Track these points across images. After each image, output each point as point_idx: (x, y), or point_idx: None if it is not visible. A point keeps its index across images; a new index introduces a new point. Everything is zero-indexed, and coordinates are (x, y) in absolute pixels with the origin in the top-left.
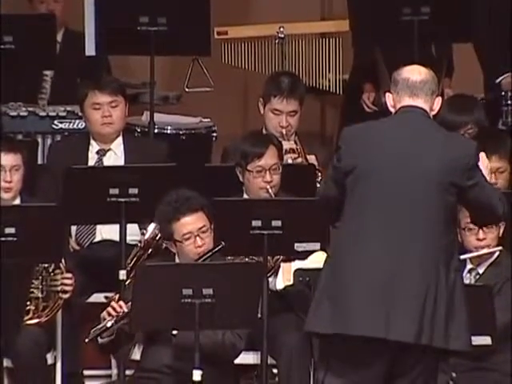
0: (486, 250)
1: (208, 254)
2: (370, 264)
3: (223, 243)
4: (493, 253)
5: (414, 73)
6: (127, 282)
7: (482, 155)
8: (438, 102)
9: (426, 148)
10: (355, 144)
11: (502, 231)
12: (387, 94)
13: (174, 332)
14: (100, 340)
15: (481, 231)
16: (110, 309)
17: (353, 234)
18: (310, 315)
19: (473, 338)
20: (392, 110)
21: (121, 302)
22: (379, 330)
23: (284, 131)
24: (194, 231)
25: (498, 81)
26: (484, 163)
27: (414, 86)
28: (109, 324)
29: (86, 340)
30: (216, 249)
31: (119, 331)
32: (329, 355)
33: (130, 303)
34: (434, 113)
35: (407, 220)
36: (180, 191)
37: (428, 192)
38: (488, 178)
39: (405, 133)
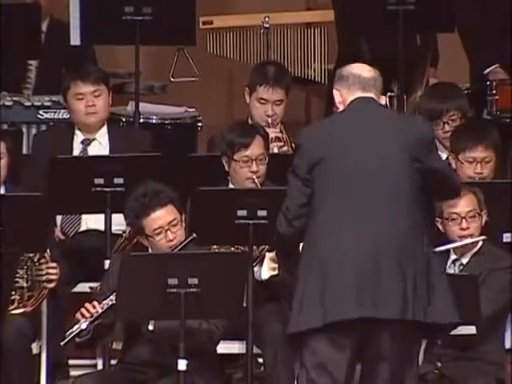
0: (469, 240)
1: (179, 247)
2: (349, 249)
3: (195, 234)
4: (476, 242)
5: (364, 69)
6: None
7: None
8: (383, 100)
9: (386, 129)
10: (316, 138)
11: (484, 221)
12: (334, 91)
13: (151, 327)
14: (78, 339)
15: (464, 221)
16: (83, 310)
17: (327, 223)
18: (296, 316)
19: (458, 327)
20: (340, 106)
21: (94, 303)
22: (367, 310)
23: (270, 120)
24: (164, 225)
25: (486, 72)
26: None
27: (365, 82)
28: (83, 326)
29: (62, 343)
30: (187, 240)
31: (97, 326)
32: (302, 348)
33: (103, 303)
34: None
35: (379, 201)
36: (148, 185)
37: (394, 170)
38: None
39: (363, 118)
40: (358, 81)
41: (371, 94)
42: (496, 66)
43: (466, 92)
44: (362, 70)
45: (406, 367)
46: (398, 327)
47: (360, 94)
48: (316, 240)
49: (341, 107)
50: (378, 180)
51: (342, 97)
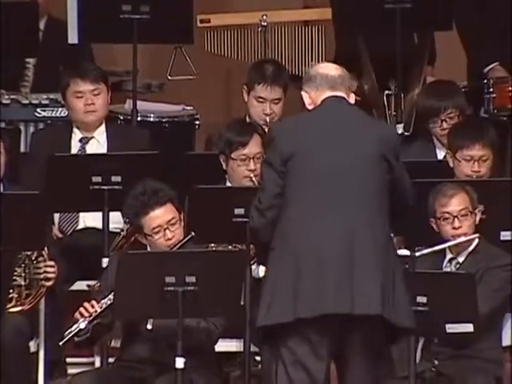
0: (463, 239)
1: (178, 245)
2: (322, 245)
3: (193, 233)
4: (471, 241)
5: (331, 69)
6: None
7: None
8: (353, 98)
9: (356, 127)
10: (289, 133)
11: (477, 219)
12: (303, 93)
13: (149, 326)
14: (76, 339)
15: (456, 220)
16: (82, 309)
17: (298, 219)
18: (265, 310)
19: (455, 325)
20: (310, 107)
21: (93, 302)
22: (345, 306)
23: (268, 119)
24: (163, 224)
25: (485, 70)
26: None
27: (333, 81)
28: (82, 325)
29: (61, 343)
30: (185, 239)
31: (96, 325)
32: (278, 345)
33: (101, 302)
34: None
35: (349, 197)
36: (147, 184)
37: (365, 167)
38: None
39: (335, 116)
40: (326, 80)
41: (341, 93)
42: (495, 64)
43: (463, 90)
44: (328, 69)
45: (380, 362)
46: (373, 322)
47: (329, 93)
48: (287, 235)
49: (311, 108)
50: (348, 176)
51: (311, 98)
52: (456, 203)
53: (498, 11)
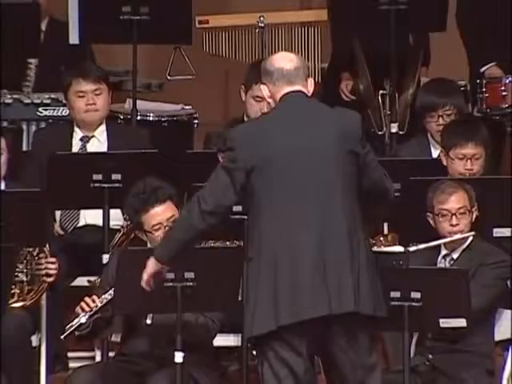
0: (459, 236)
1: None
2: (296, 249)
3: None
4: (466, 238)
5: (286, 61)
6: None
7: None
8: (311, 83)
9: (318, 125)
10: (249, 142)
11: (474, 217)
12: (262, 86)
13: (148, 321)
14: (77, 333)
15: (454, 217)
16: (83, 304)
17: (271, 226)
18: (249, 320)
19: (448, 320)
20: (269, 100)
21: (94, 297)
22: (323, 308)
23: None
24: (163, 221)
25: (482, 70)
26: None
27: (289, 75)
28: (83, 320)
29: (62, 337)
30: None
31: (97, 320)
32: (265, 352)
33: (102, 297)
34: (309, 94)
35: (319, 200)
36: (147, 181)
37: (332, 165)
38: None
39: (295, 116)
40: (282, 75)
41: (298, 87)
42: (493, 64)
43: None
44: (284, 62)
45: (363, 356)
46: (351, 318)
47: (287, 88)
48: (262, 244)
49: (271, 102)
50: (316, 178)
51: (270, 92)
52: (455, 201)
53: (498, 10)
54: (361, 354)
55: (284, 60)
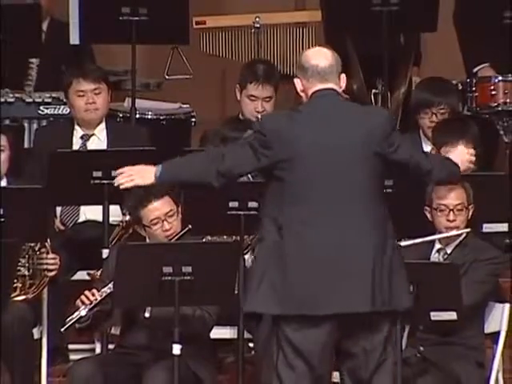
0: (454, 232)
1: (175, 237)
2: (320, 244)
3: (190, 226)
4: (461, 234)
5: (321, 58)
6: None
7: (461, 149)
8: (343, 78)
9: (347, 125)
10: (280, 135)
11: (470, 214)
12: (295, 80)
13: (147, 315)
14: (77, 325)
15: (451, 213)
16: (83, 297)
17: (300, 218)
18: (254, 294)
19: (440, 313)
20: (302, 94)
21: (93, 290)
22: (337, 306)
23: (260, 116)
24: (161, 216)
25: (475, 70)
26: (461, 156)
27: (324, 72)
28: (83, 313)
29: (62, 329)
30: (183, 231)
31: (96, 313)
32: (280, 338)
33: (102, 290)
34: (341, 90)
35: (343, 201)
36: None
37: (358, 166)
38: (463, 168)
39: (325, 115)
40: (317, 72)
41: (331, 84)
42: (486, 64)
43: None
44: (319, 59)
45: (377, 348)
46: (368, 316)
47: (319, 85)
48: (283, 234)
49: (303, 95)
50: (341, 180)
51: (303, 86)
52: (454, 197)
53: (493, 13)
54: (374, 346)
55: (319, 57)
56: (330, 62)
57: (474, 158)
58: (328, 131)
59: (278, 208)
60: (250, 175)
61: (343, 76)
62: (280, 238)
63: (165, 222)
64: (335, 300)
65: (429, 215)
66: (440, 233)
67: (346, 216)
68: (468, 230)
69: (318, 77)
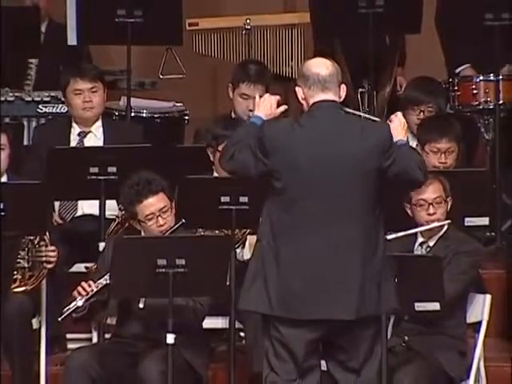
0: (436, 224)
1: (169, 231)
2: (310, 255)
3: (183, 220)
4: (442, 226)
5: (322, 67)
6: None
7: (398, 115)
8: (343, 88)
9: (346, 142)
10: (280, 145)
11: (449, 206)
12: (297, 88)
13: (141, 305)
14: (74, 315)
15: (431, 206)
16: (80, 288)
17: (293, 227)
18: (246, 292)
19: (423, 303)
20: (303, 102)
21: (90, 282)
22: (323, 313)
23: (251, 114)
24: (155, 212)
25: (457, 71)
26: (399, 123)
27: (324, 81)
28: (79, 303)
29: (59, 319)
30: (176, 226)
31: (93, 303)
32: (272, 337)
33: (98, 282)
34: (340, 100)
35: (341, 210)
36: (141, 174)
37: (354, 181)
38: (404, 137)
39: (325, 130)
40: (318, 80)
41: (330, 93)
42: (467, 65)
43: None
44: (320, 68)
45: (363, 346)
46: (353, 322)
47: (321, 95)
48: (277, 238)
49: (304, 103)
50: (336, 193)
51: (305, 94)
52: (431, 191)
53: (474, 12)
54: (364, 338)
55: (320, 66)
56: (330, 71)
57: (406, 125)
58: (327, 145)
59: (275, 213)
60: None
61: (343, 86)
62: (274, 242)
63: (159, 218)
64: (321, 308)
65: (409, 211)
66: (422, 226)
67: (338, 228)
68: (449, 221)
69: (318, 85)
